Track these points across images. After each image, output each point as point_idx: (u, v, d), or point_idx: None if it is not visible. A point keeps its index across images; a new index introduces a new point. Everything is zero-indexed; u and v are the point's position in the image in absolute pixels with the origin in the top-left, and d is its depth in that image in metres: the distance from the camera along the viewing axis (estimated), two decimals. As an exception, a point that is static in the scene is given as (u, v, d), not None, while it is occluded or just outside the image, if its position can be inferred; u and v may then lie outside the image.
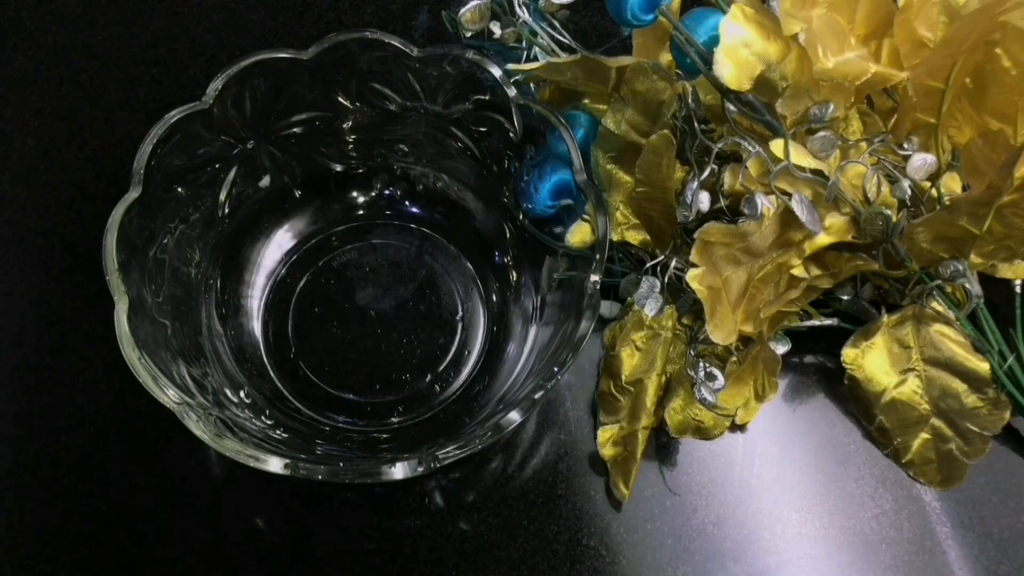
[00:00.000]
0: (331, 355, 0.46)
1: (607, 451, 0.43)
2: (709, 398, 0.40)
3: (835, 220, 0.40)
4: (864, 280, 0.44)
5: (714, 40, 0.38)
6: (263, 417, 0.43)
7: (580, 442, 0.45)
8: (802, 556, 0.42)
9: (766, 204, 0.38)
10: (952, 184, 0.42)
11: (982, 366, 0.42)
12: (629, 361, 0.44)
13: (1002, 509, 0.43)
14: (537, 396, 0.37)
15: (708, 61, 0.38)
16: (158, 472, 0.43)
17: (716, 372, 0.41)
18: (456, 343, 0.47)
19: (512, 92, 0.42)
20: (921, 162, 0.40)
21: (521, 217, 0.46)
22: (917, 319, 0.43)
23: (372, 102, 0.46)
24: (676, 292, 0.44)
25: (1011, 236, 0.39)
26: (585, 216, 0.42)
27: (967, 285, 0.40)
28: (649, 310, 0.41)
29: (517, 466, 0.44)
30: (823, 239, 0.40)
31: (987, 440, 0.42)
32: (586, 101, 0.46)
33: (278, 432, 0.42)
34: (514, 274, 0.47)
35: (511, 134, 0.44)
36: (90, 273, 0.40)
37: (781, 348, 0.44)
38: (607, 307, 0.47)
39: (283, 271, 0.48)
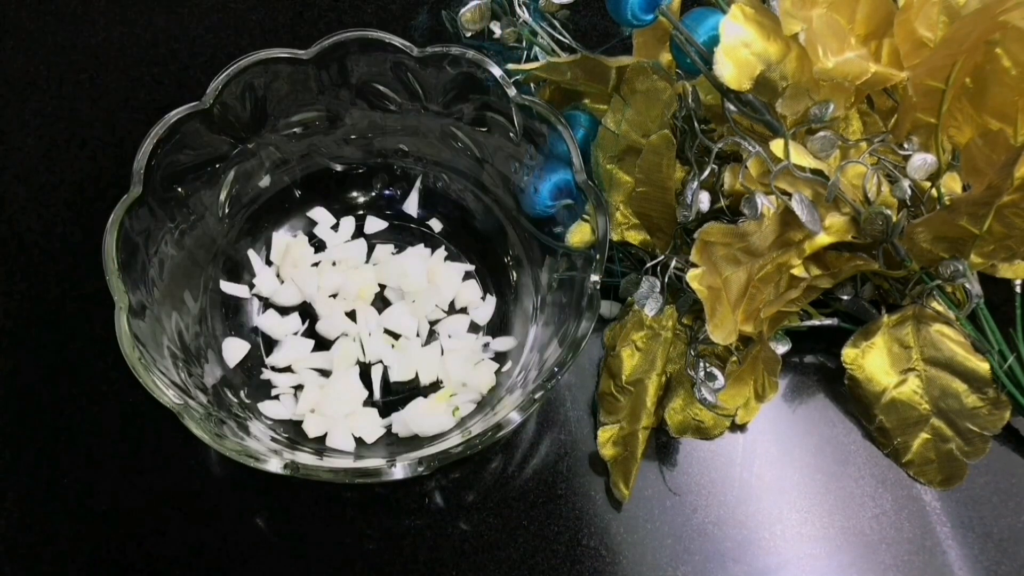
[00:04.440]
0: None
1: (607, 451, 0.43)
2: (709, 398, 0.40)
3: (835, 220, 0.40)
4: (864, 280, 0.44)
5: (714, 40, 0.38)
6: (263, 417, 0.43)
7: (580, 442, 0.45)
8: (802, 556, 0.42)
9: (766, 204, 0.39)
10: (952, 184, 0.42)
11: (982, 366, 0.42)
12: (629, 361, 0.44)
13: (1002, 509, 0.43)
14: (537, 396, 0.37)
15: (708, 61, 0.38)
16: (158, 472, 0.43)
17: (716, 372, 0.41)
18: (456, 343, 0.47)
19: (512, 92, 0.42)
20: (921, 162, 0.40)
21: (521, 217, 0.46)
22: (917, 319, 0.43)
23: (372, 102, 0.46)
24: (676, 292, 0.44)
25: (1011, 236, 0.39)
26: (585, 216, 0.42)
27: (967, 285, 0.40)
28: (649, 310, 0.41)
29: (517, 466, 0.44)
30: (823, 239, 0.40)
31: (987, 440, 0.42)
32: (586, 101, 0.46)
33: (278, 432, 0.42)
34: (514, 274, 0.47)
35: (511, 134, 0.44)
36: (90, 273, 0.40)
37: (781, 348, 0.44)
38: (607, 307, 0.47)
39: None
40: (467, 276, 0.48)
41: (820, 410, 0.46)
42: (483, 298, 0.47)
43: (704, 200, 0.41)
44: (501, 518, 0.43)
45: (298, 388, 0.44)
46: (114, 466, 0.43)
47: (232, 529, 0.42)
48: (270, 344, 0.46)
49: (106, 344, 0.37)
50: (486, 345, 0.46)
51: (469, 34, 0.49)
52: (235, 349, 0.44)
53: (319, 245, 0.48)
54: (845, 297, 0.45)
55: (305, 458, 0.39)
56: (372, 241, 0.49)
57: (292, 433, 0.43)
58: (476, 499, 0.43)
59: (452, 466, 0.43)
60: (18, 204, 0.51)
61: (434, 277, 0.46)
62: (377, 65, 0.44)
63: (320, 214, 0.49)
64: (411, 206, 0.49)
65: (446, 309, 0.47)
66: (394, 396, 0.45)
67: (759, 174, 0.39)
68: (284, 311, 0.46)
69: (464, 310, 0.47)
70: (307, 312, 0.46)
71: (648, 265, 0.43)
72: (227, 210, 0.46)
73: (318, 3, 0.59)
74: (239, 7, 0.58)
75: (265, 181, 0.47)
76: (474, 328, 0.47)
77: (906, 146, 0.41)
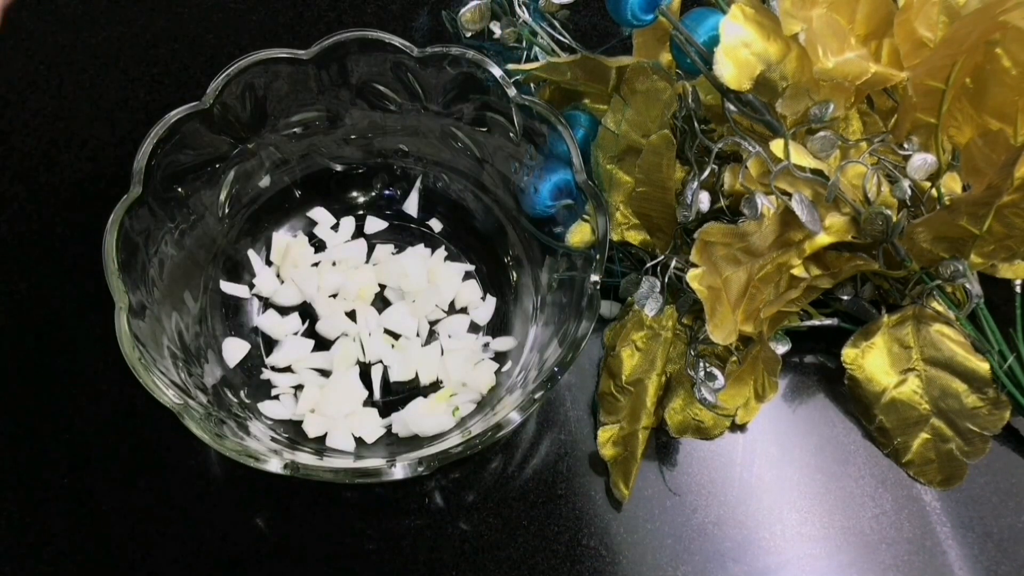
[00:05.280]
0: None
1: (607, 451, 0.43)
2: (709, 398, 0.40)
3: (835, 220, 0.40)
4: (864, 280, 0.44)
5: (714, 40, 0.38)
6: (263, 417, 0.43)
7: (580, 442, 0.45)
8: (802, 556, 0.42)
9: (766, 204, 0.39)
10: (952, 184, 0.42)
11: (982, 366, 0.42)
12: (629, 361, 0.44)
13: (1002, 509, 0.43)
14: (537, 396, 0.37)
15: (708, 61, 0.38)
16: (158, 472, 0.43)
17: (716, 372, 0.41)
18: (456, 343, 0.47)
19: (512, 92, 0.42)
20: (921, 162, 0.40)
21: (521, 217, 0.46)
22: (917, 319, 0.43)
23: (372, 102, 0.46)
24: (676, 292, 0.44)
25: (1011, 236, 0.39)
26: (585, 216, 0.42)
27: (967, 285, 0.40)
28: (649, 310, 0.41)
29: (517, 466, 0.44)
30: (823, 239, 0.40)
31: (987, 440, 0.42)
32: (586, 101, 0.46)
33: (278, 432, 0.42)
34: (514, 274, 0.47)
35: (511, 134, 0.44)
36: (90, 273, 0.40)
37: (781, 348, 0.44)
38: (607, 307, 0.47)
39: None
40: (467, 276, 0.48)
41: (820, 410, 0.46)
42: (483, 298, 0.47)
43: (704, 200, 0.41)
44: (501, 518, 0.43)
45: (298, 388, 0.44)
46: (114, 466, 0.43)
47: (232, 529, 0.42)
48: (270, 344, 0.46)
49: (106, 344, 0.37)
50: (486, 345, 0.46)
51: (469, 34, 0.49)
52: (235, 349, 0.44)
53: (319, 245, 0.48)
54: (845, 297, 0.45)
55: (305, 458, 0.39)
56: (372, 241, 0.49)
57: (292, 433, 0.43)
58: (476, 499, 0.43)
59: (452, 466, 0.43)
60: (18, 204, 0.51)
61: (434, 277, 0.46)
62: (377, 65, 0.44)
63: (320, 214, 0.49)
64: (411, 206, 0.49)
65: (446, 309, 0.47)
66: (394, 396, 0.45)
67: (759, 174, 0.39)
68: (284, 311, 0.47)
69: (464, 310, 0.47)
70: (307, 312, 0.46)
71: (648, 265, 0.43)
72: (227, 210, 0.46)
73: (318, 3, 0.59)
74: (239, 7, 0.58)
75: (265, 181, 0.47)
76: (474, 328, 0.47)
77: (906, 146, 0.41)
